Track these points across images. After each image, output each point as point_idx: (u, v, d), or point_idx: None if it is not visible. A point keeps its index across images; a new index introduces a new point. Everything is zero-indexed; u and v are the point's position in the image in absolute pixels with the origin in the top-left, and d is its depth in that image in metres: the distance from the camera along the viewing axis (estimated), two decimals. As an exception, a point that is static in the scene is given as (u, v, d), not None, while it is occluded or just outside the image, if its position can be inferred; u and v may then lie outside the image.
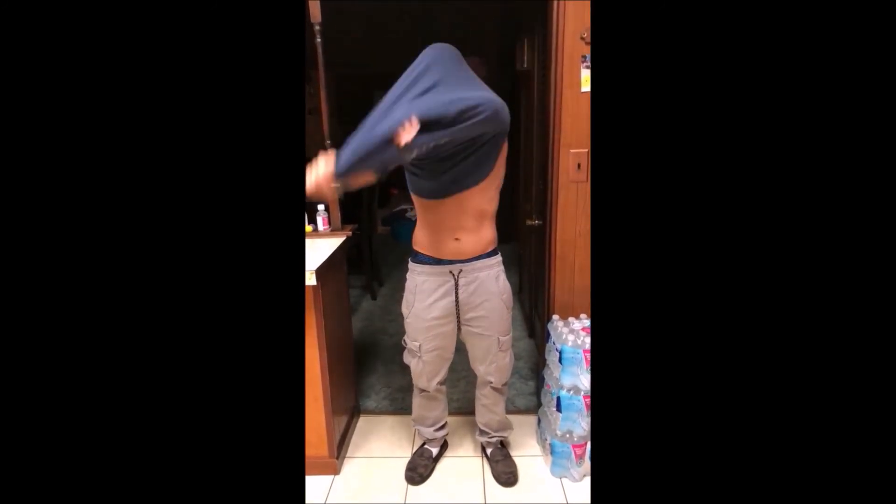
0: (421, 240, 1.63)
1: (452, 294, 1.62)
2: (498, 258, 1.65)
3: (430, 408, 1.87)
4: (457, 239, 1.56)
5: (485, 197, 1.53)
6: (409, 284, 1.68)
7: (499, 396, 1.84)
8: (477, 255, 1.59)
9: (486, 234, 1.59)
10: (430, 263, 1.62)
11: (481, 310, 1.63)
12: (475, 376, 1.84)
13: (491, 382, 1.78)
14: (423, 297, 1.64)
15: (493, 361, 1.73)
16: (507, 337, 1.72)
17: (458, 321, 1.67)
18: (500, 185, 1.57)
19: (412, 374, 1.80)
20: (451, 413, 2.05)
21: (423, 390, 1.82)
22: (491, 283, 1.62)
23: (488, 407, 1.85)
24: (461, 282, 1.60)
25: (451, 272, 1.60)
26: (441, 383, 1.81)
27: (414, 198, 1.59)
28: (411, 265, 1.67)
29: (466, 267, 1.59)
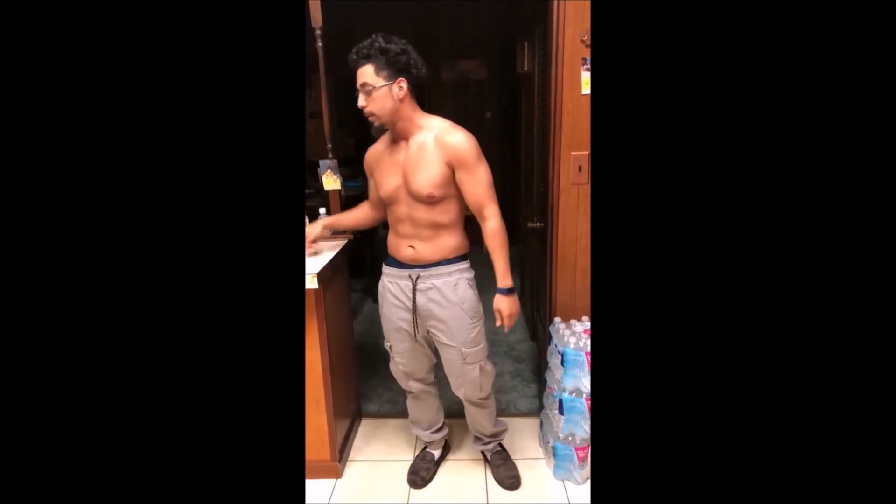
0: (388, 242, 1.66)
1: (411, 298, 1.61)
2: (461, 266, 1.60)
3: (420, 409, 1.88)
4: (411, 246, 1.57)
5: (435, 210, 1.51)
6: (379, 286, 1.71)
7: (479, 410, 1.79)
8: (436, 261, 1.57)
9: (447, 241, 1.57)
10: (393, 266, 1.64)
11: (440, 317, 1.60)
12: None
13: (463, 396, 1.75)
14: (390, 298, 1.66)
15: (459, 374, 1.68)
16: (474, 350, 1.64)
17: (416, 326, 1.65)
18: (459, 198, 1.54)
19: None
20: (451, 416, 2.04)
21: (406, 391, 1.84)
22: (448, 290, 1.58)
23: (473, 418, 1.83)
24: (419, 287, 1.59)
25: (409, 276, 1.60)
26: (424, 383, 1.81)
27: None
28: (383, 267, 1.69)
29: (424, 273, 1.58)
